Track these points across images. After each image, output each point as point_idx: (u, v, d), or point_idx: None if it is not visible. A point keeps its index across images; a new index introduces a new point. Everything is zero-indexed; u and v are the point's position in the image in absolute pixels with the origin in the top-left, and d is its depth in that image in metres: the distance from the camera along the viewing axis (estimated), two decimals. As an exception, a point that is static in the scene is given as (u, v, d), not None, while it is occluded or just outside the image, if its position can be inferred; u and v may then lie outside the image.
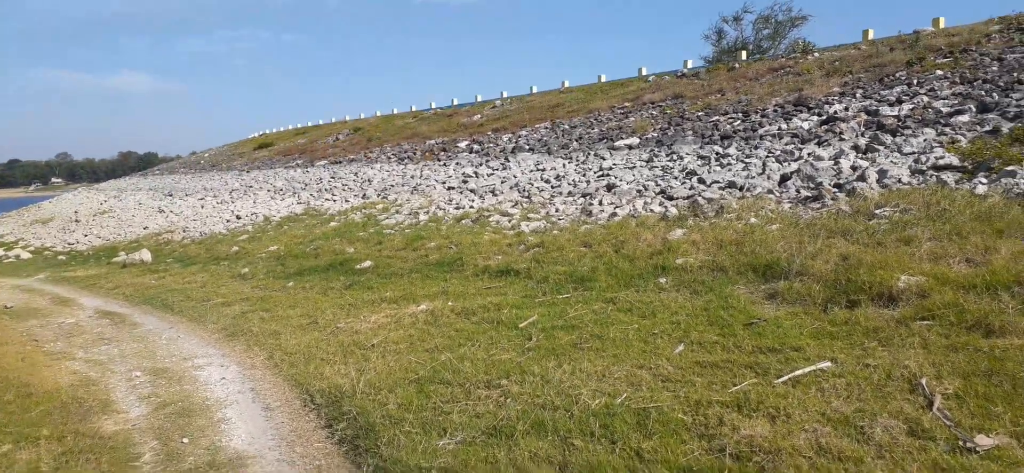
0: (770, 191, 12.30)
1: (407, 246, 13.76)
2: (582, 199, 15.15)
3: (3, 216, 44.76)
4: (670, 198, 13.56)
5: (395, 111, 43.17)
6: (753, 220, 10.40)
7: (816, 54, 24.02)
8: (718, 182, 13.67)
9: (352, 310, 9.41)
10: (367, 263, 12.76)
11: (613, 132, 21.85)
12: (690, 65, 29.94)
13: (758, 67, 24.55)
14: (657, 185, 14.64)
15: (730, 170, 14.48)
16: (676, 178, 14.97)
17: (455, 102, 38.33)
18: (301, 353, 7.63)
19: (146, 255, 19.13)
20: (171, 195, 36.91)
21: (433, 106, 39.78)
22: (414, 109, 41.16)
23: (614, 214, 13.07)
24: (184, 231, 24.26)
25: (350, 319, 8.85)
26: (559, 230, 12.62)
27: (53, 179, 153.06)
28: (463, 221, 15.34)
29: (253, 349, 8.27)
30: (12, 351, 8.92)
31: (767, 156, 14.75)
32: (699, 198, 12.30)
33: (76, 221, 34.63)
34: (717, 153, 16.17)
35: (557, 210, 14.63)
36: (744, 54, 27.97)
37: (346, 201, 22.06)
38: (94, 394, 6.92)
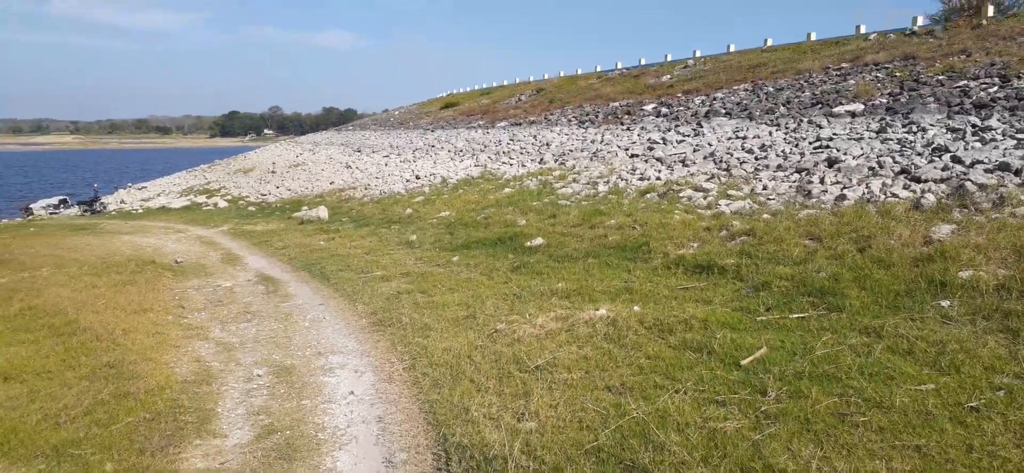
0: (1069, 178, 9.10)
1: (583, 222, 11.78)
2: (796, 175, 12.41)
3: (215, 163, 47.76)
4: (917, 180, 10.58)
5: (579, 71, 41.01)
6: (1059, 219, 7.44)
7: (1096, 6, 19.15)
8: (983, 162, 10.49)
9: (517, 304, 7.57)
10: (538, 240, 10.92)
11: (829, 96, 18.53)
12: (921, 22, 25.41)
13: (1014, 24, 20.01)
14: (895, 162, 11.61)
15: (996, 148, 11.18)
16: (919, 155, 11.84)
17: (643, 62, 35.55)
18: (449, 366, 5.88)
19: (323, 213, 18.54)
20: (359, 151, 37.27)
21: (619, 66, 37.23)
22: (599, 69, 38.79)
23: (842, 197, 10.34)
24: (366, 188, 23.79)
25: (513, 317, 7.02)
26: (771, 214, 10.11)
27: (265, 131, 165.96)
28: (648, 195, 13.13)
29: (397, 349, 6.66)
30: (149, 322, 7.94)
31: (1049, 131, 11.31)
32: (968, 183, 9.30)
33: (272, 172, 35.80)
34: (973, 125, 12.74)
35: (765, 187, 12.03)
36: (991, 9, 23.16)
37: (523, 166, 20.43)
38: (201, 400, 5.58)
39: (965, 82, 15.85)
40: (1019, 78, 14.91)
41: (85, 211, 31.16)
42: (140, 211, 29.16)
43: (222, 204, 27.45)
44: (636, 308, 6.79)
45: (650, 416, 4.41)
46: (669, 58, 34.02)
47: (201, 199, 29.93)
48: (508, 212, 14.08)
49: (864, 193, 10.45)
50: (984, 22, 21.52)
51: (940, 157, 11.39)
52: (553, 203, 14.08)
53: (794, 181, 12.10)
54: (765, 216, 10.04)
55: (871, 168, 11.66)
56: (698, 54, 32.44)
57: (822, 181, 11.53)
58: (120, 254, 13.67)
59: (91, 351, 6.83)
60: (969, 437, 3.73)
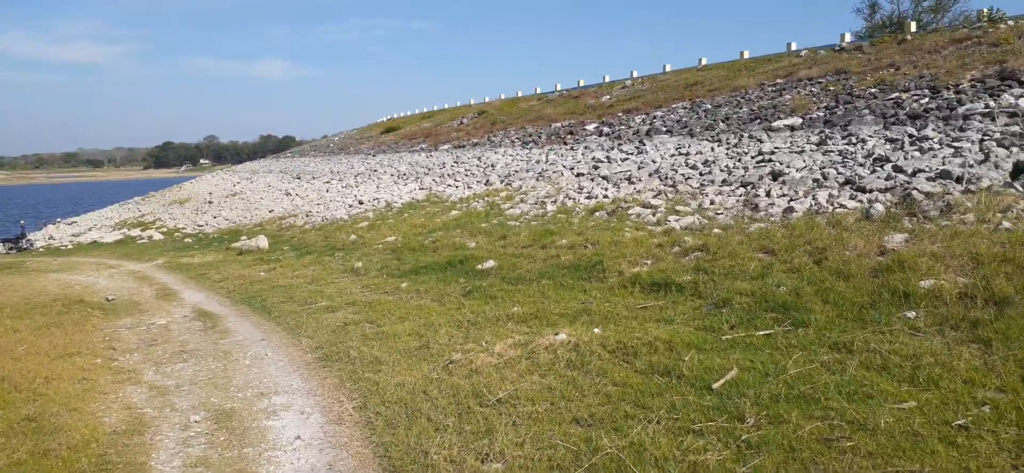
0: (1008, 184, 9.22)
1: (534, 242, 11.50)
2: (742, 189, 12.39)
3: (150, 195, 46.07)
4: (862, 190, 10.63)
5: (519, 93, 40.95)
6: (1006, 225, 7.46)
7: (1010, 22, 19.92)
8: (924, 171, 10.61)
9: (472, 331, 7.21)
10: (490, 263, 10.59)
11: (767, 112, 18.76)
12: (848, 39, 26.12)
13: (936, 38, 20.65)
14: (838, 173, 11.68)
15: (935, 156, 11.34)
16: (861, 165, 11.95)
17: (582, 83, 35.68)
18: (403, 403, 5.47)
19: (263, 242, 17.83)
20: (298, 178, 36.39)
21: (558, 87, 37.30)
22: (539, 91, 38.81)
23: (790, 209, 10.31)
24: (306, 215, 23.09)
25: (469, 345, 6.65)
26: (721, 228, 10.00)
27: (201, 160, 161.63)
28: (597, 213, 12.94)
29: (346, 386, 6.20)
30: (75, 368, 7.29)
31: (982, 139, 11.54)
32: (914, 191, 9.34)
33: (209, 202, 34.63)
34: (910, 135, 12.96)
35: (712, 202, 11.96)
36: (914, 26, 23.94)
37: (468, 187, 20.09)
38: (132, 453, 5.04)
39: (897, 94, 16.19)
40: (948, 90, 15.30)
41: (10, 249, 29.53)
42: (70, 247, 27.77)
43: (157, 237, 26.33)
44: (597, 330, 6.50)
45: (625, 451, 4.10)
46: (607, 79, 34.24)
47: (135, 232, 28.68)
48: (456, 235, 13.71)
49: (811, 205, 10.43)
50: (908, 37, 22.19)
51: (882, 167, 11.50)
52: (502, 224, 13.77)
53: (740, 195, 12.07)
54: (716, 231, 9.92)
55: (815, 180, 11.70)
56: (635, 74, 32.72)
57: (768, 194, 11.51)
58: (46, 293, 12.79)
59: (8, 404, 6.18)
60: (963, 459, 3.53)
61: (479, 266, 10.55)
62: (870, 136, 13.77)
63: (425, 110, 52.19)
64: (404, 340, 7.25)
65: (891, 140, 13.06)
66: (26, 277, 15.95)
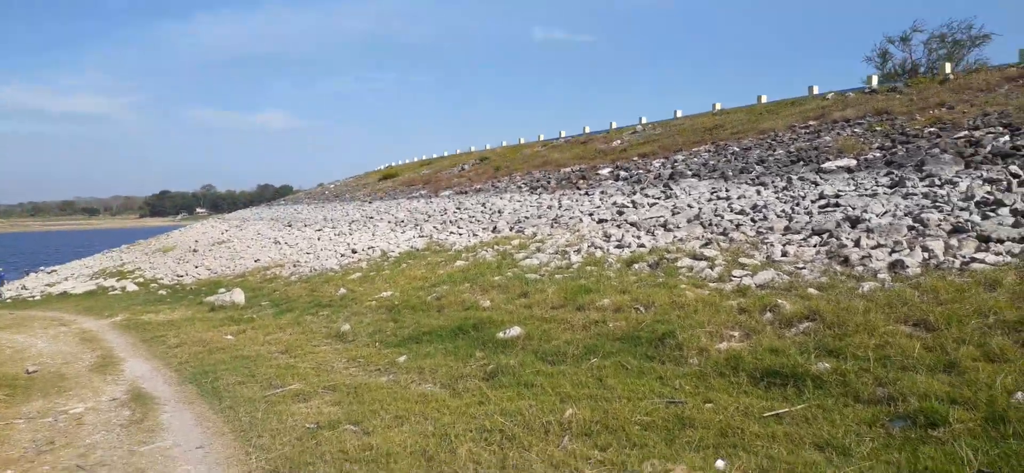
0: None
1: (567, 302, 8.96)
2: (816, 238, 9.93)
3: (137, 243, 43.40)
4: (985, 239, 8.19)
5: (522, 140, 38.70)
6: None
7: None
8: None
9: (510, 451, 4.61)
10: (514, 329, 8.02)
11: (808, 153, 16.42)
12: (875, 82, 24.06)
13: (986, 76, 18.51)
14: (942, 219, 9.24)
15: (1063, 199, 8.95)
16: (963, 210, 9.53)
17: (587, 130, 33.46)
18: None
19: (238, 296, 15.23)
20: (290, 225, 33.83)
21: (563, 134, 35.07)
22: (542, 137, 36.56)
23: (900, 264, 7.83)
24: (294, 265, 20.49)
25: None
26: (816, 289, 7.51)
27: (197, 209, 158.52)
28: (635, 265, 10.45)
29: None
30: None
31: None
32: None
33: (194, 251, 31.98)
34: (1014, 175, 10.58)
35: (784, 254, 9.48)
36: (949, 66, 21.83)
37: (474, 235, 17.58)
38: None
39: (965, 133, 13.89)
40: (1030, 126, 13.00)
41: (-20, 299, 26.82)
42: (38, 298, 25.07)
43: (131, 288, 23.65)
44: (720, 464, 3.94)
45: None
46: (614, 126, 32.04)
47: (109, 282, 25.97)
48: (465, 290, 11.17)
49: (926, 258, 7.98)
50: (951, 77, 20.04)
51: (994, 212, 9.09)
52: (519, 277, 11.24)
53: (816, 245, 9.61)
54: (811, 291, 7.43)
55: (910, 227, 9.26)
56: (644, 120, 30.55)
57: (858, 244, 9.04)
58: (-38, 360, 10.16)
59: None
60: None
61: (500, 334, 7.98)
62: (957, 177, 11.38)
63: (424, 157, 49.92)
64: (403, 463, 4.62)
65: (990, 181, 10.67)
66: (-43, 336, 13.28)
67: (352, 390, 6.69)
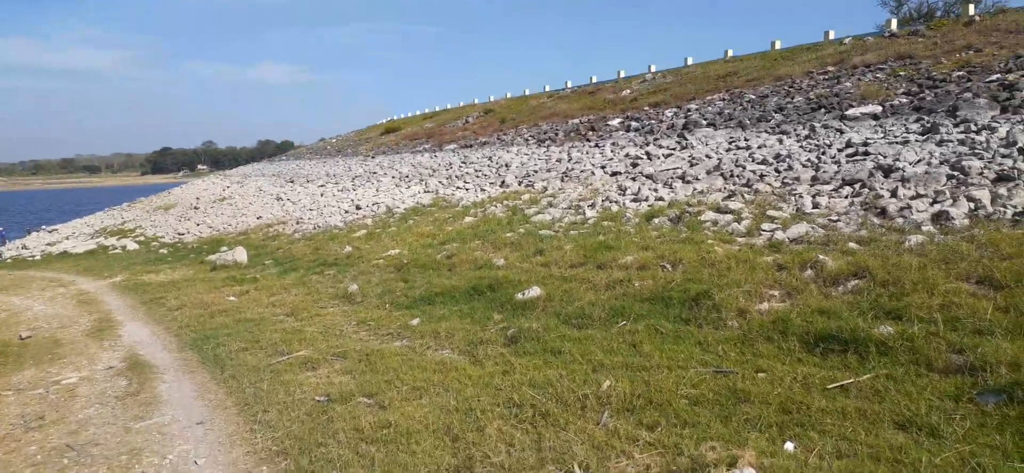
0: None
1: (587, 260, 8.46)
2: (848, 188, 9.37)
3: (138, 201, 42.85)
4: (1040, 188, 7.63)
5: (527, 92, 37.80)
6: None
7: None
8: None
9: (545, 430, 4.13)
10: (533, 290, 7.53)
11: (829, 100, 15.76)
12: (895, 26, 23.20)
13: (1017, 17, 17.72)
14: (986, 167, 8.66)
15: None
16: (1006, 157, 8.94)
17: (594, 79, 32.59)
18: None
19: (241, 255, 14.76)
20: (292, 182, 33.24)
21: (569, 85, 34.18)
22: (548, 89, 35.69)
23: (944, 215, 7.30)
24: (297, 223, 20.00)
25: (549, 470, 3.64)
26: (856, 242, 7.00)
27: (199, 166, 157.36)
28: (655, 219, 9.93)
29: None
30: None
31: None
32: None
33: (195, 208, 31.46)
34: (1057, 119, 9.97)
35: (816, 206, 8.94)
36: (972, 8, 20.97)
37: (481, 190, 17.02)
38: None
39: (998, 76, 13.21)
40: (1067, 68, 12.33)
41: (-20, 259, 26.41)
42: (38, 258, 24.59)
43: (132, 246, 23.21)
44: (789, 446, 3.46)
45: None
46: (623, 74, 31.17)
47: (110, 241, 25.51)
48: (476, 248, 10.68)
49: (972, 208, 7.44)
50: (976, 18, 19.22)
51: (1046, 159, 8.50)
52: (532, 233, 10.74)
53: (849, 196, 9.06)
54: (852, 245, 6.91)
55: (950, 176, 8.69)
56: (654, 68, 29.71)
57: (895, 194, 8.50)
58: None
59: None
60: None
61: (518, 295, 7.49)
62: (994, 123, 10.77)
63: (427, 110, 49.01)
64: (426, 444, 4.15)
65: (1034, 125, 10.07)
66: (-48, 299, 12.85)
67: (364, 357, 6.22)
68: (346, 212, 19.33)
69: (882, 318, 4.91)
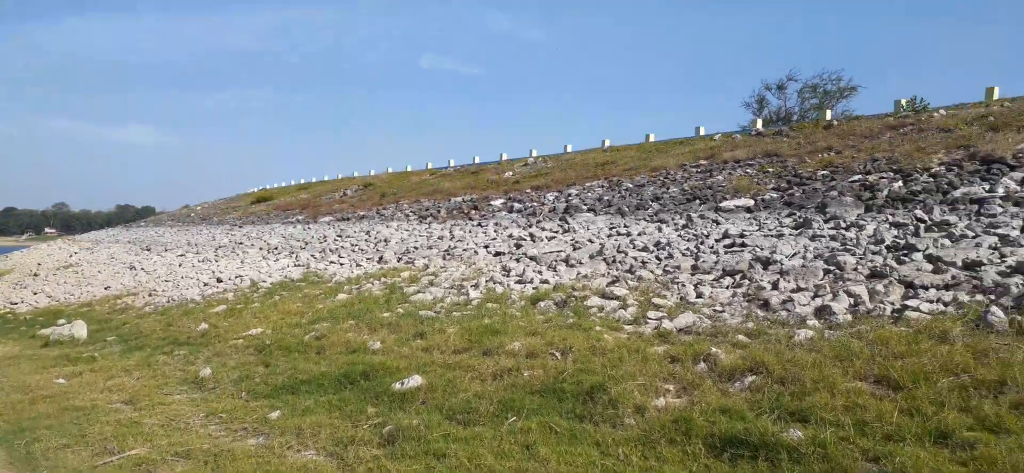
0: None
1: (472, 345, 7.88)
2: (729, 279, 9.38)
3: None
4: (910, 286, 7.83)
5: (409, 168, 37.31)
6: None
7: (941, 111, 18.79)
8: (984, 264, 8.04)
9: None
10: (414, 380, 6.83)
11: (702, 191, 16.25)
12: (760, 126, 24.71)
13: (869, 124, 19.18)
14: (859, 263, 8.89)
15: (979, 245, 8.84)
16: (876, 254, 9.26)
17: (477, 159, 32.64)
18: None
19: (79, 330, 13.09)
20: (149, 250, 30.78)
21: (452, 163, 34.06)
22: (431, 166, 35.38)
23: (826, 310, 7.31)
24: (150, 294, 18.21)
25: None
26: (745, 335, 6.85)
27: (46, 229, 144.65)
28: (541, 303, 9.55)
29: None
30: None
31: None
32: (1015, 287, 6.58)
33: (34, 275, 28.36)
34: (920, 220, 10.51)
35: (699, 296, 8.84)
36: (829, 113, 22.70)
37: (357, 265, 16.17)
38: None
39: (859, 177, 14.03)
40: (917, 173, 13.25)
41: None
42: None
43: (-51, 315, 20.35)
44: None
45: None
46: (505, 157, 31.43)
47: (-75, 309, 22.35)
48: (349, 328, 9.86)
49: (852, 304, 7.50)
50: (835, 123, 20.71)
51: (908, 257, 8.83)
52: (411, 314, 10.06)
53: (729, 286, 9.06)
54: (742, 338, 6.74)
55: (827, 270, 8.86)
56: (536, 153, 30.13)
57: (776, 287, 8.53)
58: None
59: None
60: None
61: (397, 385, 6.78)
62: (861, 220, 11.26)
63: (303, 181, 47.43)
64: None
65: (896, 225, 10.57)
66: None
67: (211, 458, 5.30)
68: (205, 285, 17.82)
69: (787, 420, 4.63)
